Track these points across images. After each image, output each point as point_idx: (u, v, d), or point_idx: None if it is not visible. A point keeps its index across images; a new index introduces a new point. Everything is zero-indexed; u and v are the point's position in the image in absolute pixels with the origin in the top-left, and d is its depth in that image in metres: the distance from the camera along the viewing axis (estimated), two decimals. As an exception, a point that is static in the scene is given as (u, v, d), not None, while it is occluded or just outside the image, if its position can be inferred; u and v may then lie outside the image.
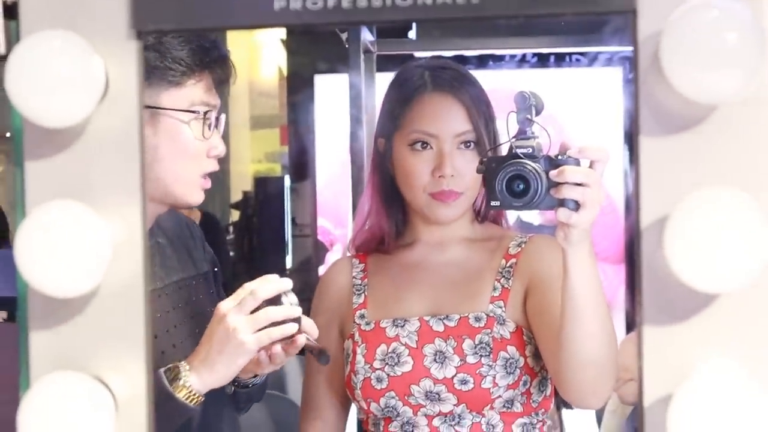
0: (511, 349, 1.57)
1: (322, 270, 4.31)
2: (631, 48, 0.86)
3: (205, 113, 1.50)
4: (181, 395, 1.38)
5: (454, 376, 1.57)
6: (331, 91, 4.34)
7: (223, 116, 1.55)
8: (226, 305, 1.40)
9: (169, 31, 1.36)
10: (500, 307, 1.61)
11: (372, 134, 1.80)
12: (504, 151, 1.41)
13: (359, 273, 1.73)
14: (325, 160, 4.47)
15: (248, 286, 1.41)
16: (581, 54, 3.98)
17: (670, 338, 0.86)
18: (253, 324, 1.38)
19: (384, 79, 2.50)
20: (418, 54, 3.41)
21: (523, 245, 1.66)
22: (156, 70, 1.46)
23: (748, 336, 0.85)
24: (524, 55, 4.14)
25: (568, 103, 3.87)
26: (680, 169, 0.85)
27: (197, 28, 1.08)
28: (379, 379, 1.60)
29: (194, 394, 1.39)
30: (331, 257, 4.32)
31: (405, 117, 1.63)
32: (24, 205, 0.90)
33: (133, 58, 0.88)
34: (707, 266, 0.80)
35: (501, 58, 4.05)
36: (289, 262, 6.47)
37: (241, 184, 8.87)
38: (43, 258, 0.85)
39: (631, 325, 3.75)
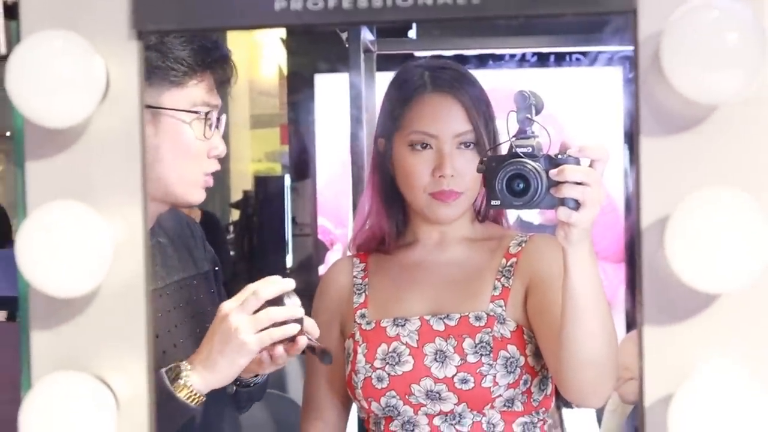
0: (512, 348, 1.58)
1: (322, 269, 4.31)
2: (631, 48, 0.86)
3: (207, 113, 1.50)
4: (182, 395, 1.38)
5: (455, 375, 1.57)
6: (331, 90, 4.34)
7: (224, 116, 1.55)
8: (228, 305, 1.40)
9: (169, 32, 1.36)
10: (500, 306, 1.61)
11: (372, 133, 1.81)
12: (504, 150, 1.42)
13: (360, 272, 1.73)
14: (325, 159, 4.47)
15: (251, 287, 1.41)
16: (581, 53, 3.98)
17: (670, 338, 0.86)
18: (255, 324, 1.38)
19: (384, 79, 2.50)
20: (418, 53, 3.41)
21: (523, 244, 1.66)
22: (158, 70, 1.46)
23: (748, 336, 0.85)
24: (524, 55, 4.14)
25: (568, 103, 3.87)
26: (681, 169, 0.85)
27: (198, 29, 1.08)
28: (379, 379, 1.61)
29: (195, 394, 1.39)
30: (332, 256, 4.32)
31: (405, 117, 1.63)
32: (25, 206, 0.90)
33: (134, 58, 0.88)
34: (708, 266, 0.80)
35: (501, 57, 4.05)
36: (289, 262, 6.47)
37: (241, 184, 8.88)
38: (44, 258, 0.85)
39: (631, 324, 3.75)
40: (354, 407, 1.75)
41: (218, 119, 1.53)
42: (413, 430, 1.60)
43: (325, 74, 4.50)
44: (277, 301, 1.40)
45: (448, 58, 3.56)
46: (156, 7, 0.88)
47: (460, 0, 0.84)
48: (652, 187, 0.86)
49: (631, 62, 0.99)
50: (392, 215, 1.71)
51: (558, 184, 1.31)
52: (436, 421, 1.59)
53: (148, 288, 0.90)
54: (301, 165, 5.68)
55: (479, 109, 1.62)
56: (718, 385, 0.81)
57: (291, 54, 6.43)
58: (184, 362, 1.40)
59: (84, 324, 0.90)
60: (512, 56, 4.10)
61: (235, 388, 1.60)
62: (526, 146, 1.37)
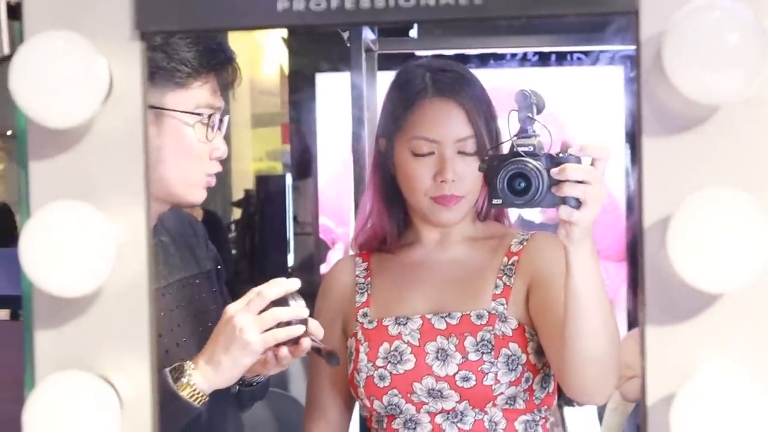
0: (513, 346, 1.58)
1: (323, 268, 4.31)
2: (632, 47, 0.86)
3: (209, 116, 1.50)
4: (185, 394, 1.38)
5: (456, 373, 1.57)
6: (332, 89, 4.34)
7: (227, 118, 1.55)
8: (233, 307, 1.40)
9: (172, 32, 1.36)
10: (502, 305, 1.61)
11: (373, 132, 1.81)
12: (506, 149, 1.42)
13: (362, 272, 1.73)
14: (326, 158, 4.46)
15: (256, 289, 1.41)
16: (583, 53, 3.98)
17: (672, 338, 0.86)
18: (260, 324, 1.38)
19: (385, 78, 2.50)
20: (419, 53, 3.41)
21: (525, 243, 1.66)
22: (162, 70, 1.46)
23: (750, 336, 0.85)
24: (526, 54, 4.13)
25: (570, 102, 3.87)
26: (682, 170, 0.85)
27: (201, 29, 1.08)
28: (381, 377, 1.61)
29: (198, 393, 1.39)
30: (333, 255, 4.32)
31: (406, 121, 1.63)
32: (28, 206, 0.90)
33: (137, 59, 0.88)
34: (710, 266, 0.81)
35: (502, 56, 4.05)
36: (290, 261, 6.47)
37: (242, 183, 8.87)
38: (47, 258, 0.86)
39: (633, 323, 3.75)
40: (356, 406, 1.75)
41: (221, 121, 1.53)
42: (415, 428, 1.61)
43: (327, 73, 4.50)
44: (281, 302, 1.41)
45: (450, 57, 3.56)
46: (159, 8, 0.88)
47: (462, 0, 0.84)
48: (653, 187, 0.86)
49: (633, 61, 0.99)
50: (393, 215, 1.71)
51: (559, 182, 1.31)
52: (438, 419, 1.59)
53: (151, 288, 0.90)
54: (303, 164, 5.68)
55: (480, 112, 1.62)
56: (720, 385, 0.81)
57: (292, 53, 6.43)
58: (188, 362, 1.40)
59: (87, 323, 0.90)
60: (514, 55, 4.09)
61: (237, 387, 1.60)
62: (527, 145, 1.37)
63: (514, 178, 1.36)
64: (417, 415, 1.60)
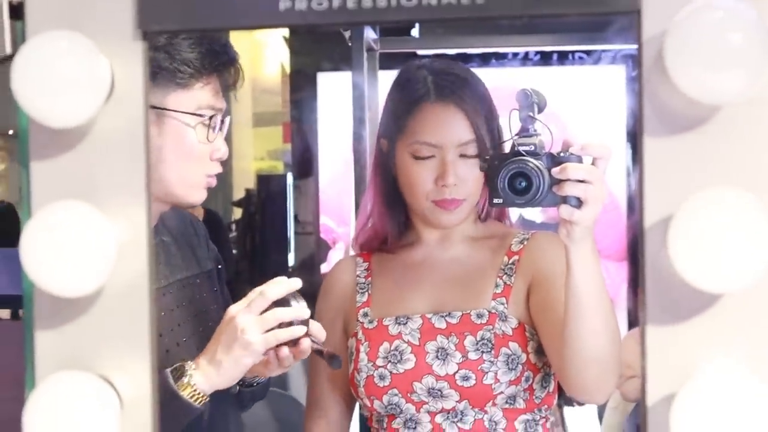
0: (513, 345, 1.58)
1: (324, 268, 4.31)
2: (634, 46, 0.86)
3: (211, 117, 1.50)
4: (185, 394, 1.38)
5: (456, 372, 1.57)
6: (334, 88, 4.34)
7: (228, 119, 1.55)
8: (235, 308, 1.40)
9: (174, 32, 1.36)
10: (502, 304, 1.61)
11: (375, 131, 1.81)
12: (507, 148, 1.42)
13: (363, 272, 1.73)
14: (327, 157, 4.46)
15: (257, 289, 1.41)
16: (584, 52, 3.98)
17: (673, 338, 0.86)
18: (262, 325, 1.38)
19: (387, 77, 2.50)
20: (421, 52, 3.41)
21: (525, 242, 1.66)
22: (164, 71, 1.45)
23: (751, 336, 0.85)
24: (527, 53, 4.13)
25: (571, 101, 3.87)
26: (684, 169, 0.85)
27: (202, 29, 1.08)
28: (381, 377, 1.61)
29: (199, 394, 1.39)
30: (334, 255, 4.32)
31: (408, 125, 1.63)
32: (30, 206, 0.90)
33: (139, 59, 0.89)
34: (711, 266, 0.81)
35: (504, 56, 4.05)
36: (291, 260, 6.47)
37: (243, 182, 8.86)
38: (48, 258, 0.86)
39: (633, 322, 3.75)
40: (357, 405, 1.75)
41: (222, 122, 1.53)
42: (415, 427, 1.61)
43: (328, 72, 4.50)
44: (283, 302, 1.40)
45: (451, 56, 3.56)
46: (161, 8, 0.88)
47: (465, 0, 0.84)
48: (655, 187, 0.86)
49: (635, 61, 0.99)
50: (394, 216, 1.71)
51: (560, 182, 1.31)
52: (438, 418, 1.59)
53: (151, 288, 0.90)
54: (304, 163, 5.68)
55: (482, 115, 1.62)
56: (721, 385, 0.81)
57: (294, 52, 6.43)
58: (188, 362, 1.40)
59: (88, 324, 0.91)
60: (515, 55, 4.09)
61: (238, 387, 1.60)
62: (528, 144, 1.37)
63: (515, 177, 1.36)
64: (417, 415, 1.60)
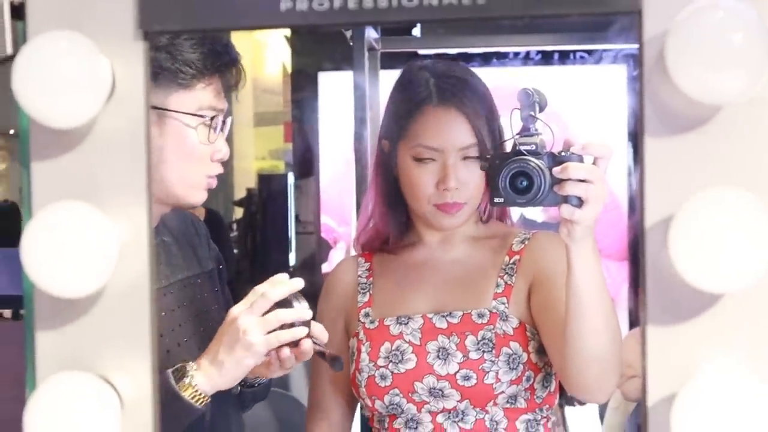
0: (514, 345, 1.58)
1: (325, 267, 4.31)
2: (635, 46, 0.86)
3: (212, 118, 1.50)
4: (186, 394, 1.38)
5: (457, 372, 1.57)
6: (335, 88, 4.34)
7: (229, 119, 1.54)
8: (237, 309, 1.40)
9: (175, 32, 1.36)
10: (503, 304, 1.61)
11: (376, 131, 1.81)
12: (508, 147, 1.42)
13: (365, 272, 1.73)
14: (328, 157, 4.47)
15: (259, 289, 1.41)
16: (585, 51, 3.98)
17: (674, 338, 0.86)
18: (264, 326, 1.38)
19: (388, 77, 2.50)
20: (422, 51, 3.41)
21: (526, 242, 1.66)
22: (166, 71, 1.45)
23: (752, 336, 0.85)
24: (528, 53, 4.14)
25: (572, 100, 3.87)
26: (685, 169, 0.85)
27: (203, 29, 1.08)
28: (383, 377, 1.61)
29: (200, 394, 1.39)
30: (335, 255, 4.32)
31: (409, 128, 1.63)
32: (30, 206, 0.90)
33: (140, 59, 0.89)
34: (712, 266, 0.81)
35: (505, 55, 4.05)
36: (292, 260, 6.47)
37: (244, 182, 8.86)
38: (49, 258, 0.86)
39: (634, 322, 3.75)
40: (358, 406, 1.75)
41: (223, 122, 1.53)
42: (417, 427, 1.61)
43: (329, 72, 4.50)
44: (285, 302, 1.40)
45: (453, 56, 3.56)
46: (162, 8, 0.88)
47: (466, 0, 0.84)
48: (656, 187, 0.86)
49: (636, 60, 0.99)
50: (395, 217, 1.71)
51: (561, 181, 1.31)
52: (440, 418, 1.59)
53: (152, 288, 0.90)
54: (305, 163, 5.68)
55: (483, 118, 1.62)
56: (722, 385, 0.81)
57: (295, 52, 6.43)
58: (190, 363, 1.40)
59: (89, 324, 0.91)
60: (516, 54, 4.10)
61: (239, 388, 1.60)
62: (529, 144, 1.37)
63: (517, 176, 1.36)
64: (418, 415, 1.60)
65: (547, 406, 1.64)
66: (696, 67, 0.80)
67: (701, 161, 0.85)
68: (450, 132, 1.60)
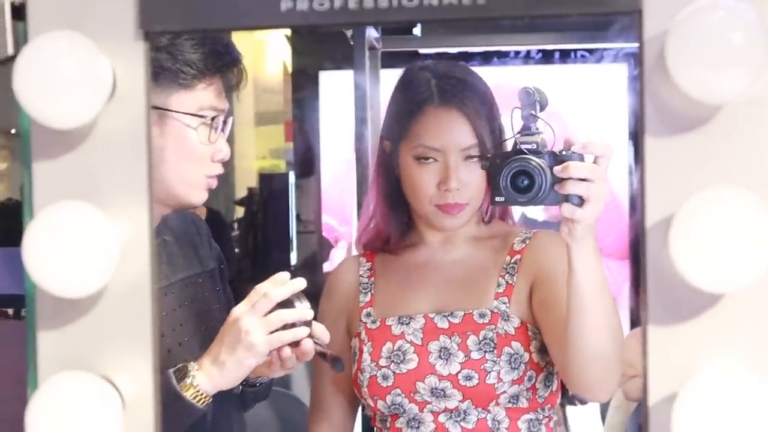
0: (516, 344, 1.58)
1: (326, 266, 4.32)
2: (636, 45, 0.86)
3: (213, 118, 1.50)
4: (188, 394, 1.38)
5: (459, 372, 1.57)
6: (335, 87, 4.34)
7: (231, 119, 1.54)
8: (239, 309, 1.40)
9: (176, 32, 1.36)
10: (504, 303, 1.61)
11: (376, 130, 1.81)
12: (509, 146, 1.42)
13: (366, 272, 1.73)
14: (329, 156, 4.47)
15: (262, 289, 1.41)
16: (586, 50, 3.98)
17: (675, 338, 0.86)
18: (266, 326, 1.38)
19: (389, 76, 2.50)
20: (422, 51, 3.41)
21: (527, 241, 1.66)
22: (167, 71, 1.45)
23: (752, 336, 0.85)
24: (529, 52, 4.14)
25: (573, 100, 3.87)
26: (685, 169, 0.85)
27: (204, 29, 1.08)
28: (384, 377, 1.61)
29: (202, 394, 1.39)
30: (336, 254, 4.33)
31: (411, 128, 1.63)
32: (32, 206, 0.90)
33: (141, 59, 0.89)
34: (712, 266, 0.81)
35: (506, 54, 4.05)
36: (293, 259, 6.47)
37: (245, 181, 8.86)
38: (50, 258, 0.86)
39: (635, 321, 3.75)
40: (359, 406, 1.75)
41: (224, 122, 1.52)
42: (419, 427, 1.61)
43: (330, 71, 4.51)
44: (286, 302, 1.40)
45: (453, 55, 3.56)
46: (163, 8, 0.88)
47: (466, 0, 0.84)
48: (656, 187, 0.86)
49: (636, 59, 0.99)
50: (397, 217, 1.71)
51: (562, 180, 1.31)
52: (441, 417, 1.59)
53: (154, 288, 0.91)
54: (306, 162, 5.68)
55: (485, 119, 1.62)
56: (722, 385, 0.81)
57: (295, 51, 6.43)
58: (191, 362, 1.40)
59: (90, 324, 0.91)
60: (517, 53, 4.10)
61: (241, 387, 1.60)
62: (530, 143, 1.37)
63: (518, 175, 1.36)
64: (420, 414, 1.60)
65: (549, 405, 1.64)
66: (696, 66, 0.80)
67: (702, 161, 0.85)
68: (451, 132, 1.60)
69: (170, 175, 1.47)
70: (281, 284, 1.41)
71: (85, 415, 0.87)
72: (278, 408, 3.20)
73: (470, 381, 1.57)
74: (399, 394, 1.60)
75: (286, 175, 6.95)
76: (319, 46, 5.04)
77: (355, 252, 1.81)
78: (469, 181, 1.60)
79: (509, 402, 1.59)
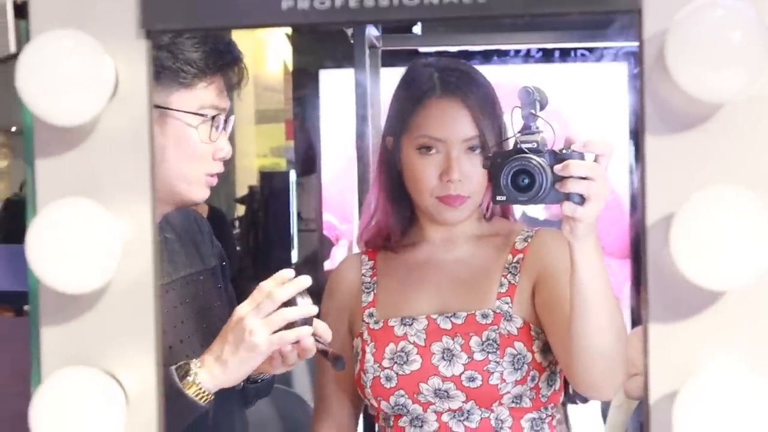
0: (519, 345, 1.58)
1: (327, 265, 4.32)
2: (636, 43, 0.87)
3: (213, 117, 1.50)
4: (190, 392, 1.38)
5: (462, 373, 1.57)
6: (336, 86, 4.34)
7: (232, 118, 1.54)
8: (243, 309, 1.40)
9: (178, 31, 1.36)
10: (507, 303, 1.61)
11: (378, 129, 1.81)
12: (510, 146, 1.42)
13: (368, 271, 1.73)
14: (330, 154, 4.47)
15: (265, 288, 1.41)
16: (586, 49, 3.98)
17: (675, 335, 0.86)
18: (270, 326, 1.38)
19: (389, 75, 2.50)
20: (423, 49, 3.41)
21: (529, 240, 1.66)
22: (167, 70, 1.45)
23: (753, 334, 0.85)
24: (529, 51, 4.14)
25: (573, 98, 3.87)
26: (686, 168, 0.85)
27: (205, 27, 1.08)
28: (388, 378, 1.61)
29: (204, 392, 1.39)
30: (337, 252, 4.33)
31: (413, 120, 1.63)
32: (35, 203, 0.90)
33: (143, 58, 0.89)
34: (713, 264, 0.81)
35: (506, 53, 4.05)
36: (294, 257, 6.48)
37: (246, 179, 8.87)
38: (54, 255, 0.86)
39: (637, 320, 3.75)
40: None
41: (225, 121, 1.52)
42: (422, 426, 1.61)
43: (330, 70, 4.51)
44: (289, 300, 1.40)
45: (453, 54, 3.56)
46: (164, 7, 0.88)
47: (466, -1, 0.84)
48: (657, 186, 0.86)
49: (636, 57, 0.99)
50: (399, 213, 1.71)
51: (563, 179, 1.31)
52: (445, 417, 1.60)
53: (156, 284, 0.91)
54: (307, 160, 5.69)
55: (486, 112, 1.62)
56: (723, 383, 0.81)
57: (296, 50, 6.44)
58: (194, 360, 1.41)
59: (93, 320, 0.91)
60: (517, 52, 4.10)
61: (243, 384, 1.60)
62: (530, 142, 1.37)
63: (518, 174, 1.36)
64: (424, 414, 1.60)
65: (552, 404, 1.65)
66: (696, 65, 0.80)
67: (702, 159, 0.85)
68: (454, 123, 1.61)
69: (171, 174, 1.48)
70: (285, 282, 1.41)
71: (89, 411, 0.87)
72: (280, 405, 3.21)
73: (473, 382, 1.57)
74: (402, 395, 1.60)
75: (286, 173, 6.96)
76: (320, 45, 5.04)
77: (356, 250, 1.81)
78: (471, 174, 1.60)
79: (512, 402, 1.59)
